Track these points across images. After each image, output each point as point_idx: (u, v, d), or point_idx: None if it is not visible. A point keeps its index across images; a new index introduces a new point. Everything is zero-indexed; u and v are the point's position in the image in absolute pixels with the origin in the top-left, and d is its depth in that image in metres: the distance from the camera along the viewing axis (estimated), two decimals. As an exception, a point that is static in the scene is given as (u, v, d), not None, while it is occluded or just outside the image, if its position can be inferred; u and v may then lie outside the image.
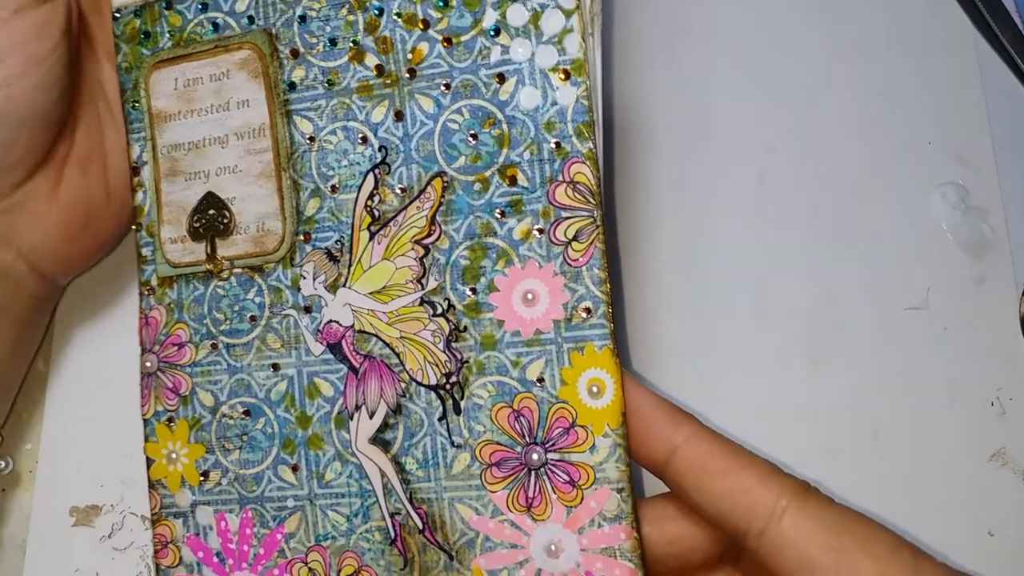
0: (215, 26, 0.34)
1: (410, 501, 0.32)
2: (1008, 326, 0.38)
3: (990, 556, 0.37)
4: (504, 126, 0.32)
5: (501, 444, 0.31)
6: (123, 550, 0.40)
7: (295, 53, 0.33)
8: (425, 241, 0.32)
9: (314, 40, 0.33)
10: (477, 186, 0.32)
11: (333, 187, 0.33)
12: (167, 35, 0.35)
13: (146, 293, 0.35)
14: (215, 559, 0.34)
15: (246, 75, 0.34)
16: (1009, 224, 0.39)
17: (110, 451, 0.41)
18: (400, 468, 0.32)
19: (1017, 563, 0.37)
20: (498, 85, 0.32)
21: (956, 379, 0.38)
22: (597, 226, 0.31)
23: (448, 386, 0.32)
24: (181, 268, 0.35)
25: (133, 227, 0.36)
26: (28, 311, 0.39)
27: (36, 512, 0.41)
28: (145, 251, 0.36)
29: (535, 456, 0.31)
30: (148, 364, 0.35)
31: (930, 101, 0.40)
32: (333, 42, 0.33)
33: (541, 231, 0.31)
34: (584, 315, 0.31)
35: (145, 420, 0.35)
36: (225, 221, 0.34)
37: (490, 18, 0.31)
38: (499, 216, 0.32)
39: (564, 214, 0.31)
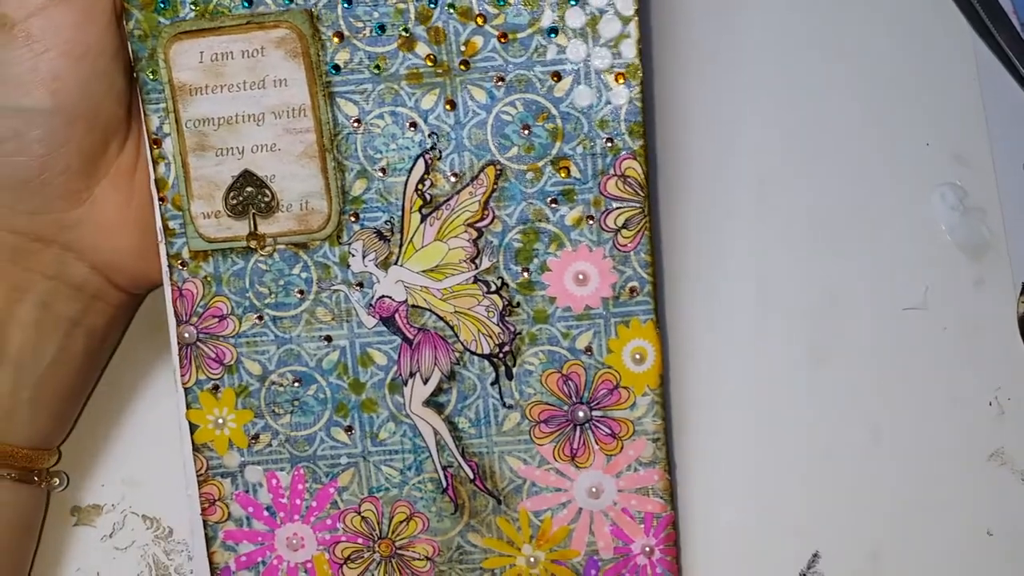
0: (248, 1, 0.34)
1: (462, 455, 0.36)
2: (1007, 326, 0.40)
3: (990, 556, 0.39)
4: (558, 121, 0.34)
5: (549, 404, 0.35)
6: (124, 550, 0.41)
7: (340, 36, 0.34)
8: (478, 224, 0.35)
9: (360, 24, 0.34)
10: (530, 175, 0.34)
11: (382, 169, 0.35)
12: (188, 5, 0.35)
13: (178, 266, 0.36)
14: (265, 513, 0.37)
15: (283, 54, 0.34)
16: (1007, 224, 0.40)
17: (111, 451, 0.41)
18: (453, 427, 0.36)
19: (1017, 563, 0.39)
20: (553, 83, 0.34)
21: (955, 379, 0.40)
22: (645, 216, 0.34)
23: (501, 355, 0.35)
24: (217, 243, 0.35)
25: (158, 199, 0.36)
26: (103, 324, 0.38)
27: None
28: (173, 224, 0.36)
29: (580, 414, 0.35)
30: (187, 335, 0.36)
31: (928, 102, 0.41)
32: (382, 28, 0.34)
33: (592, 219, 0.34)
34: (631, 294, 0.35)
35: (186, 389, 0.36)
36: (267, 200, 0.35)
37: (548, 18, 0.33)
38: (551, 204, 0.34)
39: (614, 204, 0.34)
